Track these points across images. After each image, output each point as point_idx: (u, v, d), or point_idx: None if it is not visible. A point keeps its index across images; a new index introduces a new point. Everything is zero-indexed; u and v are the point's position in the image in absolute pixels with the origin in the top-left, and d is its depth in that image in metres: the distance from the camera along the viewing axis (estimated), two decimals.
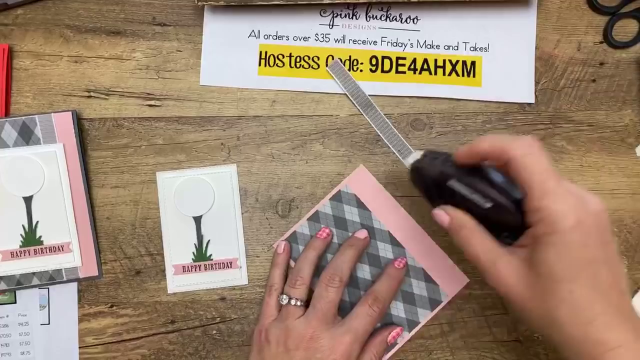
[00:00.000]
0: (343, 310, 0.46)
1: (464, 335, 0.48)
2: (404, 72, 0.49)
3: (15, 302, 0.48)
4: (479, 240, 0.35)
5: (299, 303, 0.44)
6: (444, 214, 0.37)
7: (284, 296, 0.44)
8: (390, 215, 0.48)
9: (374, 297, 0.44)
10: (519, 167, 0.33)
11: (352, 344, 0.42)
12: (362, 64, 0.49)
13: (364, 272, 0.48)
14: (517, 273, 0.33)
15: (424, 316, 0.47)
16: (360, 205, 0.48)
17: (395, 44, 0.49)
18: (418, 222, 0.48)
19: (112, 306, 0.48)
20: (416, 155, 0.42)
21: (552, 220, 0.31)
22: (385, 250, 0.48)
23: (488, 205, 0.36)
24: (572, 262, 0.31)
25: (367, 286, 0.47)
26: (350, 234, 0.48)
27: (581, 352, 0.31)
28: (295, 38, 0.49)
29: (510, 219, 0.35)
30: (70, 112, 0.47)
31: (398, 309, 0.48)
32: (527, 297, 0.32)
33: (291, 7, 0.49)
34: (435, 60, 0.49)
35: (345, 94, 0.49)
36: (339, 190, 0.48)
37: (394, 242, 0.48)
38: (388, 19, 0.49)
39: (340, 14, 0.49)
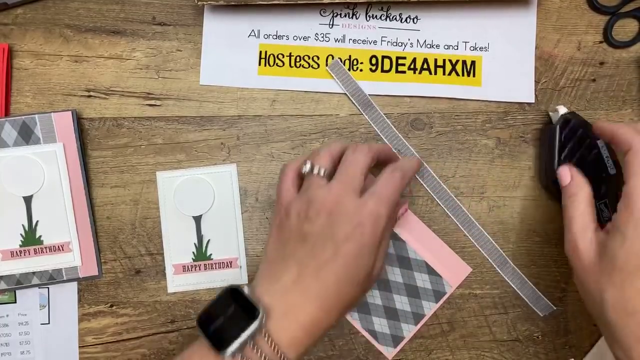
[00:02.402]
0: (360, 308, 0.46)
1: (463, 335, 0.48)
2: (404, 72, 0.49)
3: (15, 302, 0.48)
4: (582, 207, 0.38)
5: (322, 172, 0.39)
6: (568, 173, 0.41)
7: (308, 164, 0.40)
8: None
9: (392, 167, 0.40)
10: (632, 159, 0.36)
11: (378, 207, 0.37)
12: (362, 63, 0.49)
13: None
14: (592, 249, 0.36)
15: (430, 308, 0.48)
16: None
17: (395, 44, 0.49)
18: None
19: (112, 306, 0.48)
20: (564, 109, 0.47)
21: (632, 209, 0.34)
22: None
23: (613, 172, 0.45)
24: (634, 255, 0.34)
25: None
26: None
27: (619, 338, 0.34)
28: (295, 38, 0.49)
29: (608, 189, 0.44)
30: (70, 112, 0.47)
31: (403, 303, 0.48)
32: (588, 273, 0.36)
33: (291, 7, 0.49)
34: (435, 60, 0.49)
35: (345, 93, 0.49)
36: None
37: (394, 236, 0.48)
38: (388, 18, 0.49)
39: (340, 14, 0.49)
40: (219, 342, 0.34)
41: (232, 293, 0.36)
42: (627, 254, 0.34)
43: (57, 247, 0.47)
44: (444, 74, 0.49)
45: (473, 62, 0.49)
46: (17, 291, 0.48)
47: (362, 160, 0.39)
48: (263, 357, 0.33)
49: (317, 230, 0.37)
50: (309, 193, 0.38)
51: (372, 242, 0.37)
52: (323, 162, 0.39)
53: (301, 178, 0.41)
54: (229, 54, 0.49)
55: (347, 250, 0.36)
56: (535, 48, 0.49)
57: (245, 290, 0.36)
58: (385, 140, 0.49)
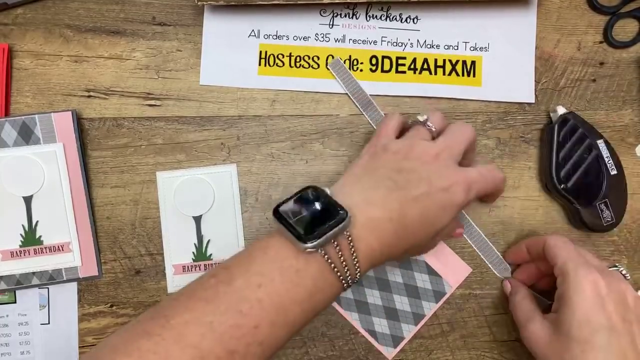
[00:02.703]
0: (360, 308, 0.46)
1: (464, 335, 0.48)
2: (404, 72, 0.49)
3: (15, 302, 0.48)
4: (525, 303, 0.42)
5: (433, 127, 0.40)
6: (507, 284, 0.46)
7: (424, 115, 0.41)
8: None
9: (494, 166, 0.43)
10: (551, 245, 0.41)
11: (475, 181, 0.38)
12: (362, 63, 0.49)
13: None
14: (544, 332, 0.38)
15: (430, 309, 0.48)
16: None
17: (395, 44, 0.49)
18: None
19: (112, 306, 0.48)
20: (562, 109, 0.47)
21: (570, 282, 0.37)
22: None
23: (614, 172, 0.46)
24: (585, 324, 0.35)
25: (370, 282, 0.48)
26: None
27: None
28: (295, 38, 0.49)
29: (608, 189, 0.46)
30: (70, 112, 0.47)
31: (403, 303, 0.48)
32: (549, 353, 0.37)
33: (291, 7, 0.49)
34: (435, 60, 0.49)
35: (346, 93, 0.49)
36: None
37: None
38: (388, 18, 0.49)
39: (340, 14, 0.49)
40: (300, 236, 0.33)
41: (313, 192, 0.36)
42: (577, 324, 0.36)
43: (57, 247, 0.47)
44: (444, 74, 0.49)
45: (473, 62, 0.49)
46: (17, 291, 0.48)
47: (468, 135, 0.41)
48: (342, 259, 0.34)
49: (415, 168, 0.37)
50: (413, 140, 0.39)
51: (458, 204, 0.37)
52: (436, 120, 0.41)
53: (402, 132, 0.42)
54: (229, 54, 0.49)
55: (440, 197, 0.37)
56: (536, 48, 0.49)
57: (328, 191, 0.36)
58: None
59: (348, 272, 0.34)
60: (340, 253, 0.34)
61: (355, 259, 0.34)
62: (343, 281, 0.34)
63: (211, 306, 0.32)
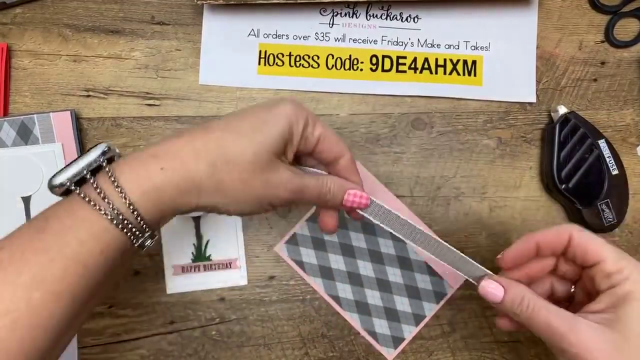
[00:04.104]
0: (360, 309, 0.46)
1: (464, 336, 0.48)
2: (404, 71, 0.49)
3: None
4: (547, 307, 0.33)
5: None
6: (498, 286, 0.35)
7: None
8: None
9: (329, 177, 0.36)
10: (585, 240, 0.34)
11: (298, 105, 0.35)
12: (362, 63, 0.49)
13: (367, 269, 0.48)
14: (602, 338, 0.31)
15: (430, 309, 0.47)
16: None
17: (395, 43, 0.49)
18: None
19: (111, 306, 0.48)
20: (564, 108, 0.47)
21: (637, 278, 0.32)
22: (386, 246, 0.48)
23: (615, 172, 0.46)
24: None
25: (370, 283, 0.47)
26: (350, 233, 0.48)
27: None
28: (295, 37, 0.49)
29: (610, 189, 0.46)
30: (68, 112, 0.47)
31: (403, 304, 0.47)
32: (617, 359, 0.31)
33: (291, 6, 0.49)
34: (436, 60, 0.49)
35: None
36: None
37: (395, 236, 0.48)
38: (388, 17, 0.49)
39: (341, 13, 0.49)
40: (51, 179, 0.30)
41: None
42: None
43: None
44: (444, 73, 0.49)
45: (474, 62, 0.49)
46: None
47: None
48: (97, 189, 0.29)
49: (219, 121, 0.34)
50: None
51: (283, 113, 0.33)
52: None
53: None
54: (228, 54, 0.49)
55: (253, 110, 0.34)
56: (537, 48, 0.49)
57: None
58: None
59: (113, 206, 0.29)
60: (96, 186, 0.29)
61: (116, 184, 0.29)
62: (109, 216, 0.29)
63: None
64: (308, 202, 0.37)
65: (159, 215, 0.31)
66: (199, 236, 0.48)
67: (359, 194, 0.36)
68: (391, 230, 0.38)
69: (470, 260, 0.39)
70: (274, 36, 0.49)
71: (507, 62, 0.49)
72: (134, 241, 0.30)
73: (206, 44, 0.49)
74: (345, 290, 0.48)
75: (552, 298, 0.35)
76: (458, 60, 0.49)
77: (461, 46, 0.49)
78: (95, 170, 0.31)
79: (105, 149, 0.31)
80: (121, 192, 0.29)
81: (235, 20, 0.49)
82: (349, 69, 0.49)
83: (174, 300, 0.48)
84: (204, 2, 0.46)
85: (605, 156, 0.46)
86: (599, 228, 0.47)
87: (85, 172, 0.30)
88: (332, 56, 0.49)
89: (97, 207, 0.29)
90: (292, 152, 0.35)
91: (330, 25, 0.49)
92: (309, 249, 0.48)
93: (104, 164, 0.30)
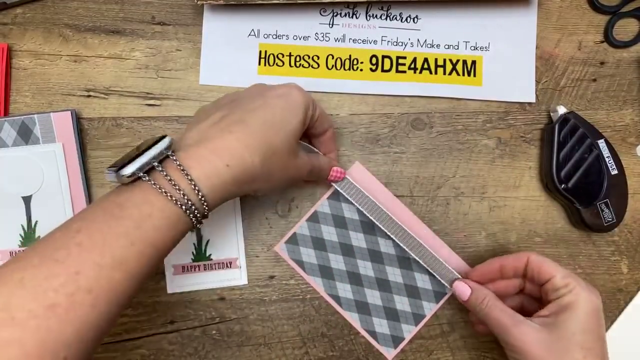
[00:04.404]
0: (360, 308, 0.46)
1: (464, 336, 0.48)
2: (404, 72, 0.49)
3: None
4: (500, 306, 0.40)
5: None
6: (466, 286, 0.43)
7: None
8: (388, 209, 0.48)
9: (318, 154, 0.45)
10: (539, 262, 0.40)
11: (304, 91, 0.41)
12: (362, 63, 0.49)
13: (367, 269, 0.48)
14: (537, 335, 0.37)
15: (430, 309, 0.47)
16: (359, 198, 0.48)
17: (395, 43, 0.49)
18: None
19: None
20: (563, 108, 0.47)
21: (579, 292, 0.38)
22: (386, 246, 0.48)
23: (615, 172, 0.46)
24: (589, 332, 0.37)
25: (370, 283, 0.47)
26: (350, 233, 0.48)
27: None
28: (295, 37, 0.49)
29: (609, 189, 0.46)
30: (69, 112, 0.47)
31: (403, 303, 0.48)
32: (546, 356, 0.37)
33: (291, 6, 0.49)
34: (436, 60, 0.49)
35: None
36: (336, 188, 0.48)
37: (394, 236, 0.48)
38: (388, 18, 0.49)
39: (340, 13, 0.49)
40: (118, 169, 0.32)
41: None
42: (582, 330, 0.37)
43: None
44: (444, 73, 0.49)
45: (474, 62, 0.49)
46: None
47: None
48: (173, 183, 0.32)
49: (248, 94, 0.40)
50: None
51: (299, 102, 0.39)
52: None
53: None
54: (228, 54, 0.49)
55: (277, 101, 0.38)
56: (536, 48, 0.49)
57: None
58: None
59: (185, 195, 0.32)
60: (168, 176, 0.32)
61: (189, 178, 0.33)
62: (181, 205, 0.32)
63: (21, 263, 0.29)
64: (308, 178, 0.43)
65: (219, 203, 0.35)
66: (199, 236, 0.48)
67: (340, 170, 0.45)
68: (359, 207, 0.46)
69: (444, 263, 0.46)
70: (274, 36, 0.49)
71: (506, 62, 0.49)
72: (196, 225, 0.34)
73: (206, 44, 0.49)
74: (345, 290, 0.48)
75: (523, 312, 0.40)
76: (458, 61, 0.49)
77: (461, 46, 0.49)
78: (161, 161, 0.33)
79: (170, 142, 0.34)
80: (194, 185, 0.33)
81: (235, 21, 0.49)
82: (349, 69, 0.49)
83: (175, 299, 0.48)
84: (205, 2, 0.46)
85: (605, 156, 0.47)
86: (599, 228, 0.47)
87: (154, 162, 0.33)
88: (332, 56, 0.49)
89: (170, 196, 0.32)
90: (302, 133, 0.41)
91: (330, 26, 0.49)
92: (308, 248, 0.48)
93: (172, 156, 0.33)
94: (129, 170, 0.31)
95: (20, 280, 0.28)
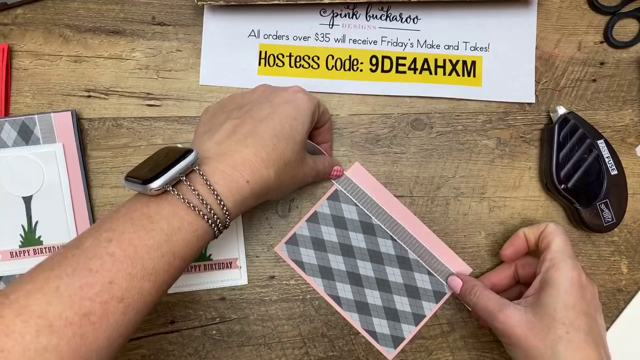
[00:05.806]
0: (360, 309, 0.46)
1: (464, 336, 0.48)
2: (404, 72, 0.49)
3: None
4: (488, 294, 0.42)
5: None
6: (457, 279, 0.46)
7: None
8: (388, 209, 0.48)
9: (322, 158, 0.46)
10: (551, 233, 0.42)
11: (309, 94, 0.42)
12: (362, 63, 0.49)
13: (367, 269, 0.48)
14: (521, 317, 0.39)
15: (430, 309, 0.48)
16: (359, 198, 0.48)
17: (395, 44, 0.49)
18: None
19: None
20: (563, 109, 0.47)
21: (560, 267, 0.39)
22: (386, 247, 0.48)
23: (614, 172, 0.46)
24: (571, 308, 0.38)
25: (370, 283, 0.47)
26: (349, 233, 0.48)
27: None
28: (295, 38, 0.49)
29: (609, 189, 0.46)
30: (69, 112, 0.47)
31: (403, 303, 0.48)
32: (530, 335, 0.38)
33: (291, 7, 0.49)
34: (436, 60, 0.49)
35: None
36: (336, 189, 0.48)
37: (394, 236, 0.48)
38: (388, 18, 0.49)
39: (340, 14, 0.49)
40: (145, 180, 0.33)
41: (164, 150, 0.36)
42: (563, 307, 0.38)
43: (56, 248, 0.47)
44: (444, 74, 0.49)
45: (473, 62, 0.49)
46: None
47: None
48: (199, 197, 0.33)
49: (254, 99, 0.41)
50: (244, 92, 0.44)
51: (306, 108, 0.40)
52: None
53: None
54: (228, 54, 0.49)
55: (285, 108, 0.39)
56: (536, 48, 0.49)
57: (179, 146, 0.37)
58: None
59: (211, 210, 0.34)
60: (195, 191, 0.33)
61: (216, 194, 0.34)
62: (207, 219, 0.34)
63: (57, 271, 0.30)
64: (312, 180, 0.45)
65: (238, 215, 0.37)
66: None
67: (339, 168, 0.48)
68: (359, 204, 0.48)
69: (444, 263, 0.48)
70: (274, 37, 0.49)
71: (506, 62, 0.49)
72: (217, 236, 0.36)
73: (207, 44, 0.49)
74: (345, 290, 0.48)
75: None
76: (457, 61, 0.49)
77: (460, 47, 0.49)
78: (187, 174, 0.34)
79: (197, 157, 0.34)
80: (219, 201, 0.34)
81: (235, 21, 0.49)
82: (349, 69, 0.49)
83: (175, 299, 0.48)
84: (205, 2, 0.46)
85: (604, 156, 0.47)
86: (598, 228, 0.47)
87: (181, 176, 0.34)
88: (332, 57, 0.49)
89: (198, 211, 0.33)
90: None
91: (330, 26, 0.49)
92: (308, 249, 0.48)
93: (198, 171, 0.34)
94: (157, 184, 0.32)
95: (57, 289, 0.29)
